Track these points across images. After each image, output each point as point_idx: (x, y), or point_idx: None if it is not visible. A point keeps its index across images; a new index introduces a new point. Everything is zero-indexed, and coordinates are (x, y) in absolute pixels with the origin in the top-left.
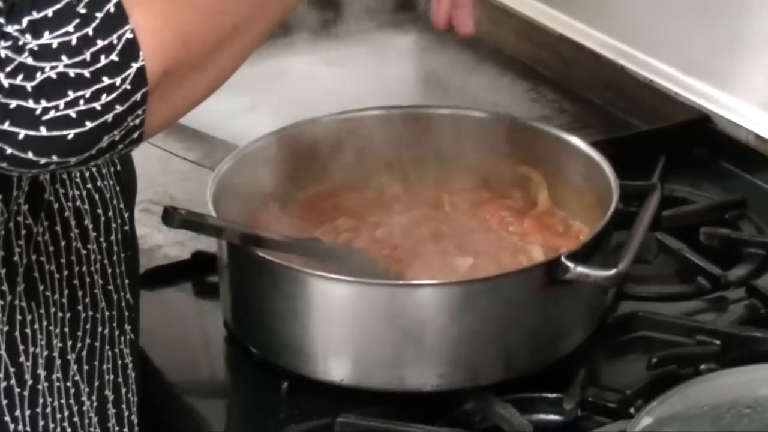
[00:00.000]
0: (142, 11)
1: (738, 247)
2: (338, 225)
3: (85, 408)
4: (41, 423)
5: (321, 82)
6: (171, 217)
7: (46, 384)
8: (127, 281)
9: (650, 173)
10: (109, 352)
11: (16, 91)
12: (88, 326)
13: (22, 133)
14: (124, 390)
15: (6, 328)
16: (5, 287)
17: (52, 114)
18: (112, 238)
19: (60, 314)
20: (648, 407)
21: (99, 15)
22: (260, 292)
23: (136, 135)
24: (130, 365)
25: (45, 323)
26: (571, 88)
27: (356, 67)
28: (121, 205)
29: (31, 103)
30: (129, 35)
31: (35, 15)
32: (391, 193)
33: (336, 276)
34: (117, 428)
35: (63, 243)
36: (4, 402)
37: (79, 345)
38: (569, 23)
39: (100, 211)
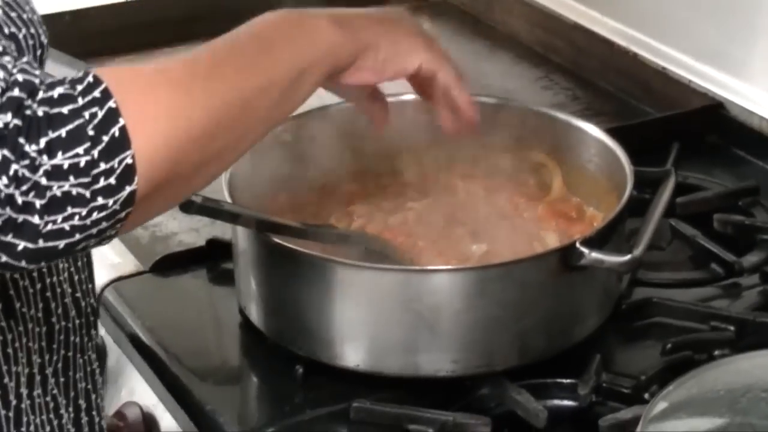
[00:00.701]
0: (143, 137)
1: (751, 234)
2: (352, 211)
3: (64, 421)
4: None
5: None
6: (188, 203)
7: (28, 402)
8: (90, 285)
9: (663, 160)
10: (80, 360)
11: (26, 208)
12: (62, 337)
13: (22, 245)
14: (93, 396)
15: None
16: None
17: (50, 227)
18: None
19: (37, 329)
20: (664, 392)
21: (105, 138)
22: (275, 278)
23: (106, 241)
24: (97, 370)
25: (24, 340)
26: (584, 75)
27: None
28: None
29: (36, 219)
30: (129, 160)
31: (51, 135)
32: (405, 180)
33: (351, 262)
34: None
35: None
36: None
37: (55, 358)
38: (583, 11)
39: None
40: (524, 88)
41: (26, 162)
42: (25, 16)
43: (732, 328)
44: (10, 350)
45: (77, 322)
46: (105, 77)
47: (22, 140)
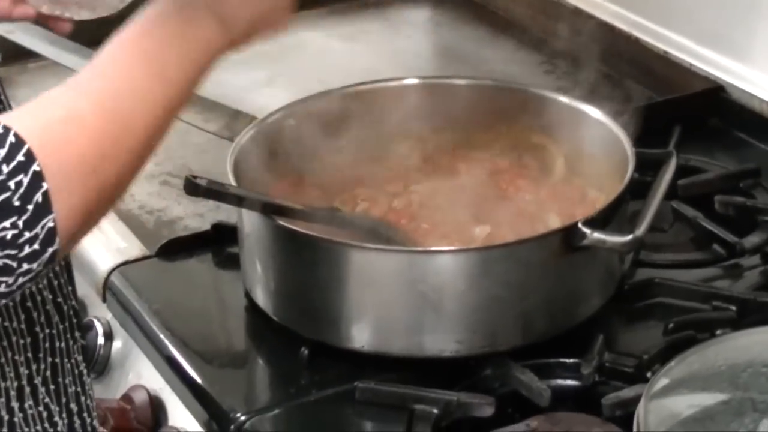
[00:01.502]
0: (63, 197)
1: (753, 215)
2: (356, 194)
3: (59, 428)
4: None
5: (337, 56)
6: (193, 186)
7: (20, 415)
8: (70, 288)
9: (665, 143)
10: (68, 365)
11: None
12: (47, 345)
13: None
14: (83, 398)
15: None
16: None
17: None
18: None
19: (21, 341)
20: (665, 368)
21: (30, 207)
22: (281, 261)
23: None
24: (85, 371)
25: (10, 354)
26: (586, 60)
27: (372, 41)
28: None
29: None
30: (51, 224)
31: None
32: (409, 163)
33: (356, 244)
34: None
35: None
36: None
37: (42, 366)
38: None
39: None
40: (527, 73)
41: None
42: None
43: (733, 307)
44: None
45: (60, 327)
46: (23, 131)
47: None
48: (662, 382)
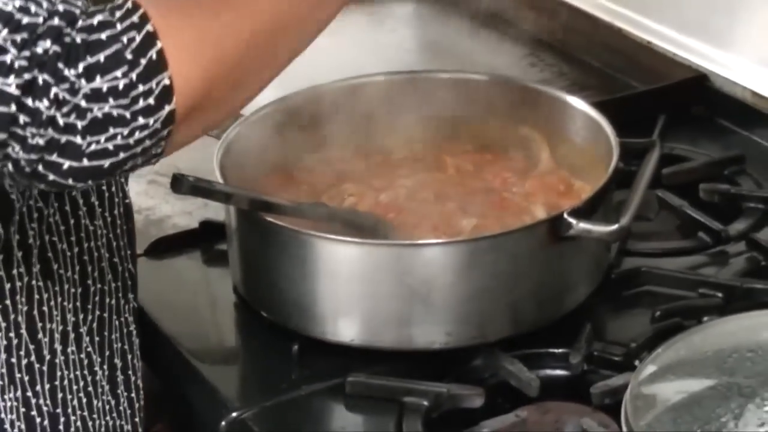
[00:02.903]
0: (180, 59)
1: (737, 202)
2: (343, 189)
3: (98, 378)
4: (60, 395)
5: (322, 51)
6: (180, 183)
7: (62, 357)
8: (129, 252)
9: (650, 133)
10: (116, 322)
11: (68, 129)
12: (97, 299)
13: (67, 163)
14: (129, 356)
15: (25, 308)
16: (23, 269)
17: (93, 147)
18: (116, 212)
19: (72, 290)
20: (653, 354)
21: (143, 61)
22: (269, 257)
23: (154, 159)
24: (134, 332)
25: (59, 299)
26: (569, 51)
27: (356, 36)
28: (122, 179)
29: (79, 139)
30: (166, 81)
31: (89, 60)
32: (395, 158)
33: (344, 238)
34: (125, 394)
35: (72, 221)
36: (26, 378)
37: (90, 318)
38: None
39: (104, 187)
40: (511, 65)
41: (66, 86)
42: None
43: (720, 294)
44: (45, 308)
45: (113, 285)
46: (143, 2)
47: (61, 65)
48: (649, 369)
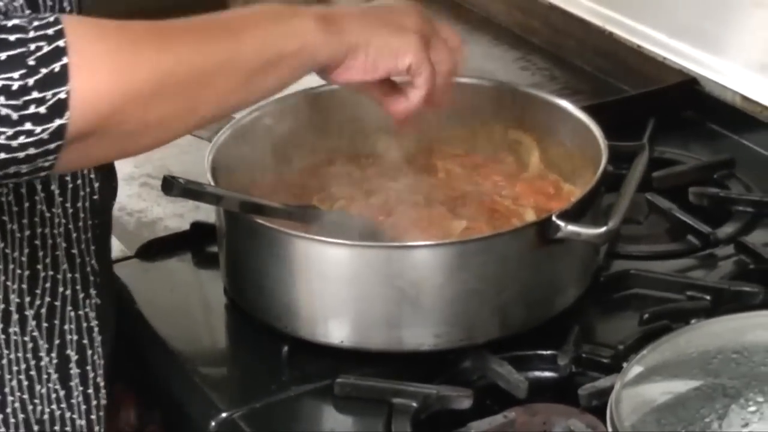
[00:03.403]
0: (84, 79)
1: (726, 206)
2: (334, 192)
3: (43, 363)
4: None
5: None
6: (171, 185)
7: (2, 336)
8: (93, 247)
9: (640, 137)
10: (72, 313)
11: None
12: (47, 285)
13: None
14: (89, 352)
15: None
16: None
17: None
18: (79, 204)
19: (18, 271)
20: (639, 356)
21: (44, 70)
22: (259, 259)
23: (43, 173)
24: (96, 329)
25: (2, 278)
26: (560, 55)
27: None
28: (92, 175)
29: None
30: (62, 95)
31: None
32: (386, 161)
33: (334, 240)
34: (81, 388)
35: (26, 204)
36: None
37: (38, 302)
38: None
39: (68, 178)
40: (502, 69)
41: None
42: None
43: (708, 297)
44: None
45: (69, 275)
46: (66, 21)
47: None
48: (635, 370)
